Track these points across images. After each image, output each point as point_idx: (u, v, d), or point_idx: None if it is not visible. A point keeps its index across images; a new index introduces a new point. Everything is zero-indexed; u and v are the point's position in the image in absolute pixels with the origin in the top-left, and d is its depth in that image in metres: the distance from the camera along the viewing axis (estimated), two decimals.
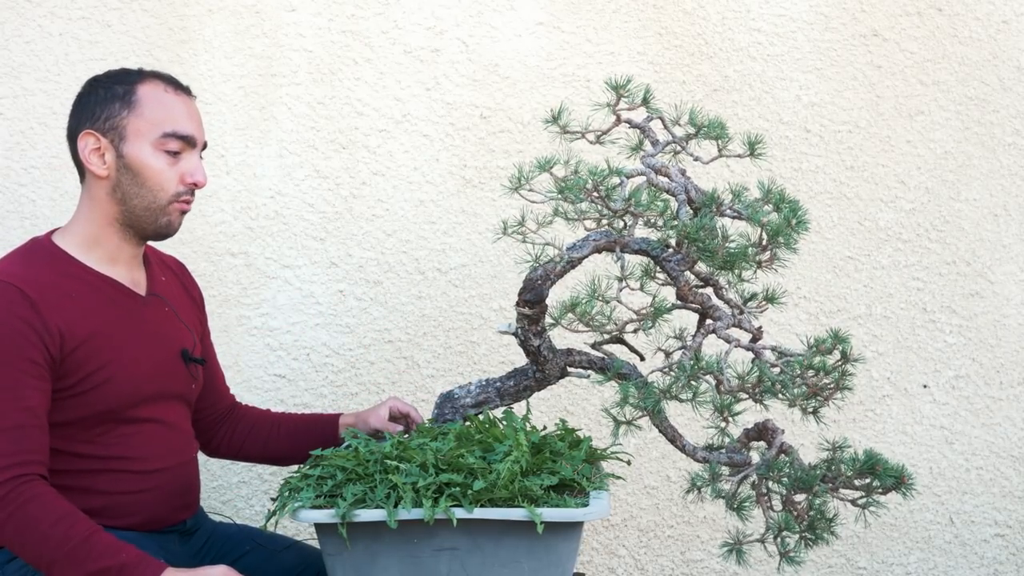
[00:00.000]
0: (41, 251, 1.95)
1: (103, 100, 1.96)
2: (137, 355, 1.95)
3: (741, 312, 1.88)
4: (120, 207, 1.96)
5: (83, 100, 1.99)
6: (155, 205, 1.96)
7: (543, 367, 1.98)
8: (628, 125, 1.95)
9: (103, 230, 1.97)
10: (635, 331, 1.86)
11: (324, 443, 2.07)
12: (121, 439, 1.94)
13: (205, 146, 2.04)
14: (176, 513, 2.04)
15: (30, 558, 1.79)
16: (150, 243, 2.08)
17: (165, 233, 2.00)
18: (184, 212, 2.01)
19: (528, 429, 1.93)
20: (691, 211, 1.84)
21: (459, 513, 1.72)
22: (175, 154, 1.96)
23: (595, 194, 1.81)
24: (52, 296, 1.87)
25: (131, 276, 2.02)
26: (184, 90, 2.02)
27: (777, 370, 1.80)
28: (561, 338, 2.12)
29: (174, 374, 2.04)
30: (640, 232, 1.87)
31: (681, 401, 1.77)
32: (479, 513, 1.73)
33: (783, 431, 1.85)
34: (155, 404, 1.99)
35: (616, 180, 1.83)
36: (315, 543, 2.01)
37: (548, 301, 1.92)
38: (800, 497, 1.81)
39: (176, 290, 2.14)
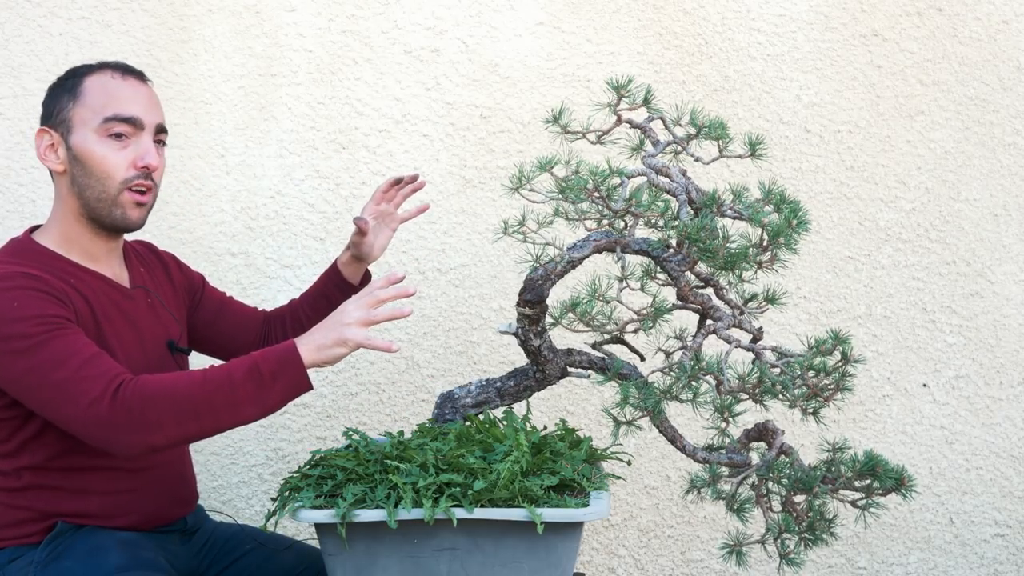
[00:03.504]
0: (26, 250, 1.95)
1: (55, 97, 1.97)
2: (128, 348, 1.95)
3: (741, 312, 1.88)
4: (79, 201, 1.95)
5: (44, 101, 1.99)
6: (105, 195, 1.93)
7: (543, 367, 1.98)
8: (629, 125, 1.95)
9: (73, 227, 1.96)
10: (635, 331, 1.86)
11: (342, 291, 2.20)
12: None
13: (163, 130, 2.00)
14: (175, 508, 2.04)
15: (191, 422, 1.74)
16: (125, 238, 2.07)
17: (123, 226, 1.97)
18: (140, 204, 1.96)
19: (528, 429, 1.93)
20: (692, 211, 1.84)
21: (459, 513, 1.72)
22: (123, 138, 1.93)
23: (596, 194, 1.81)
24: (52, 279, 1.87)
25: (113, 271, 2.01)
26: (135, 75, 1.99)
27: (777, 371, 1.80)
28: (561, 338, 2.12)
29: (163, 365, 2.03)
30: (641, 232, 1.87)
31: (681, 401, 1.77)
32: (479, 513, 1.73)
33: (783, 432, 1.85)
34: None
35: (617, 180, 1.83)
36: (315, 543, 2.01)
37: (548, 301, 1.92)
38: (800, 498, 1.81)
39: (157, 277, 2.14)
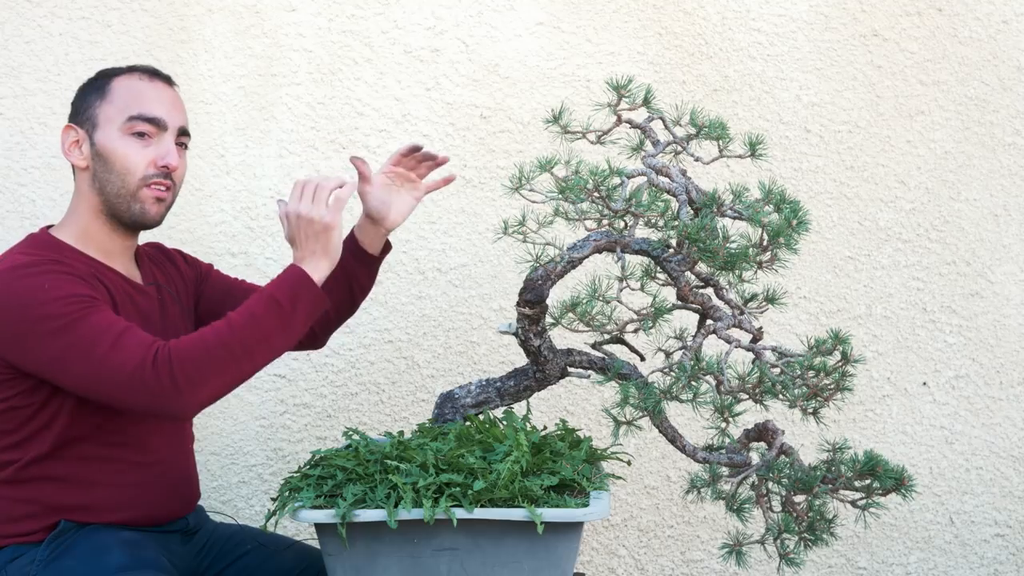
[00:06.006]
0: (44, 244, 1.97)
1: (83, 95, 2.01)
2: None
3: (741, 312, 1.88)
4: (99, 197, 1.98)
5: (72, 102, 2.03)
6: (124, 190, 1.97)
7: (543, 367, 1.98)
8: (629, 125, 1.95)
9: (92, 223, 1.99)
10: (635, 331, 1.86)
11: (357, 259, 2.14)
12: (121, 428, 1.94)
13: (186, 133, 2.03)
14: (178, 507, 2.05)
15: (232, 366, 1.80)
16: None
17: (142, 222, 2.00)
18: (160, 200, 1.99)
19: (528, 429, 1.93)
20: (692, 211, 1.84)
21: (459, 513, 1.72)
22: (145, 137, 1.97)
23: (596, 194, 1.81)
24: (78, 266, 1.90)
25: (127, 269, 2.04)
26: (162, 78, 2.03)
27: (777, 371, 1.80)
28: (561, 338, 2.12)
29: None
30: (641, 232, 1.87)
31: (681, 401, 1.77)
32: (479, 513, 1.73)
33: (783, 432, 1.85)
34: None
35: (617, 180, 1.83)
36: (315, 543, 2.01)
37: (548, 301, 1.92)
38: (800, 498, 1.81)
39: (169, 273, 2.15)
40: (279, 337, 1.83)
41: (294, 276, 1.86)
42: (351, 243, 2.15)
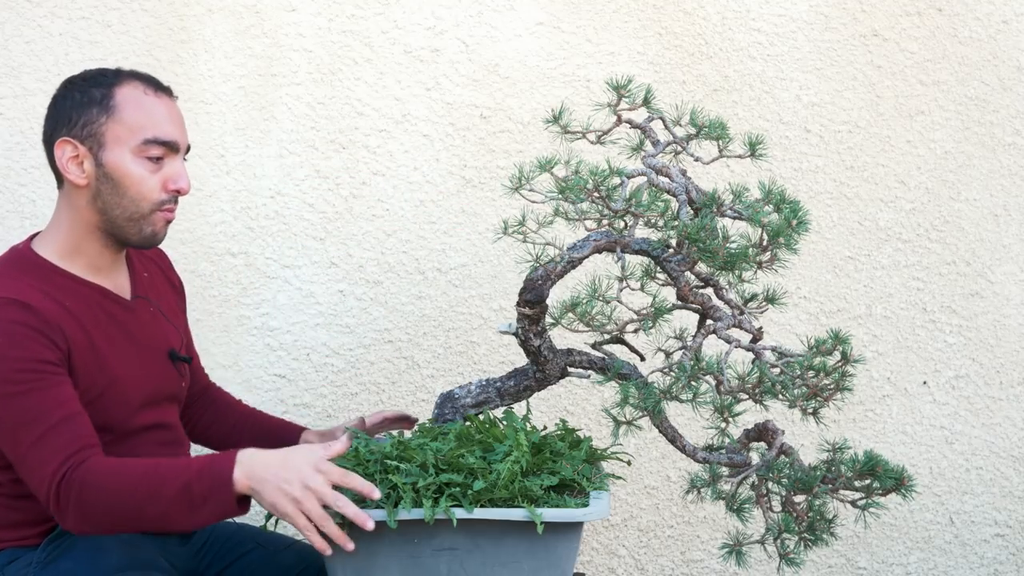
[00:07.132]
0: (24, 262, 1.90)
1: (80, 104, 1.88)
2: (129, 364, 1.93)
3: (741, 312, 1.88)
4: (101, 216, 1.90)
5: (58, 104, 1.91)
6: (137, 214, 1.90)
7: (543, 367, 1.98)
8: (629, 125, 1.94)
9: (84, 239, 1.92)
10: (635, 331, 1.86)
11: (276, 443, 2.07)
12: (124, 450, 1.91)
13: (188, 149, 1.98)
14: None
15: (126, 524, 1.76)
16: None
17: (151, 243, 1.95)
18: (169, 221, 1.95)
19: (528, 429, 1.93)
20: (692, 211, 1.84)
21: (459, 513, 1.72)
22: (157, 160, 1.89)
23: (596, 194, 1.81)
24: (47, 303, 1.83)
25: (115, 282, 1.98)
26: (165, 91, 1.94)
27: (777, 371, 1.80)
28: (561, 338, 2.12)
29: (165, 376, 2.02)
30: (641, 232, 1.87)
31: (681, 401, 1.77)
32: (479, 513, 1.73)
33: (783, 432, 1.85)
34: (151, 409, 1.97)
35: (617, 180, 1.83)
36: None
37: (548, 301, 1.92)
38: (800, 498, 1.81)
39: (159, 283, 2.12)
40: (179, 522, 1.74)
41: (220, 475, 1.71)
42: (291, 436, 2.19)
